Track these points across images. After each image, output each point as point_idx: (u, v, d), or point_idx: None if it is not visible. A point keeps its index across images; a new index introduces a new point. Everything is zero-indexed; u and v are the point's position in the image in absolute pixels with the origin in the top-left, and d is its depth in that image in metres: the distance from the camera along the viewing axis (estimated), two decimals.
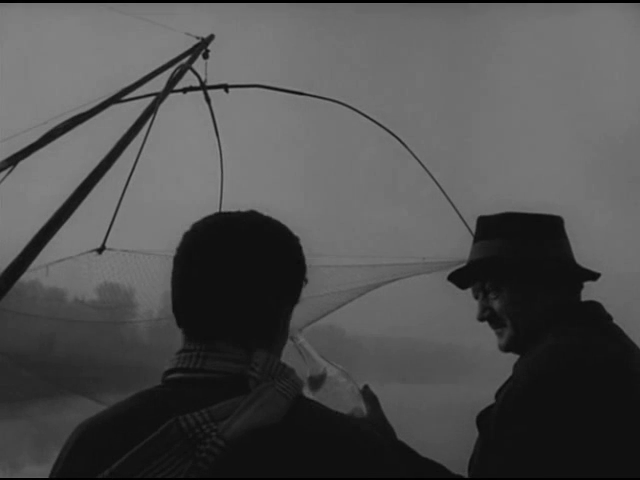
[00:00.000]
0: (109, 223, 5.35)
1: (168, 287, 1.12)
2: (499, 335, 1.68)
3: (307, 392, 1.38)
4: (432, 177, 4.95)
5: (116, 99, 3.85)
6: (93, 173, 2.70)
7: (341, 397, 1.45)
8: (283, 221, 1.17)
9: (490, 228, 1.70)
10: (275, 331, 1.10)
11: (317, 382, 1.41)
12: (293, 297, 1.13)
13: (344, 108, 4.92)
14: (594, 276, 1.68)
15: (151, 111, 3.25)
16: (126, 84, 3.99)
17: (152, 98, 3.60)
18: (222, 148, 5.34)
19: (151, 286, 5.74)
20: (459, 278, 1.77)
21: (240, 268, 1.05)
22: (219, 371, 1.02)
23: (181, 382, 1.03)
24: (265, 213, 1.16)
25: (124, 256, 5.58)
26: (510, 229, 1.67)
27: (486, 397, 1.69)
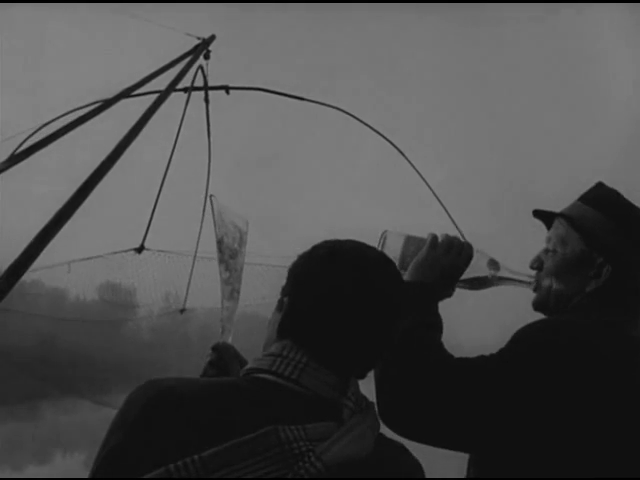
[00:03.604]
0: (147, 223, 5.42)
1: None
2: (534, 290, 1.66)
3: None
4: (427, 185, 5.04)
5: (117, 99, 3.86)
6: (96, 172, 2.71)
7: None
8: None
9: (590, 193, 1.62)
10: (376, 364, 1.18)
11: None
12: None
13: (343, 114, 4.98)
14: None
15: (154, 110, 3.26)
16: (127, 85, 4.00)
17: (154, 98, 3.61)
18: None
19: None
20: (543, 218, 1.71)
21: (381, 311, 1.12)
22: (313, 390, 1.05)
23: (270, 385, 1.05)
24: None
25: (160, 256, 5.67)
26: (602, 202, 1.57)
27: None
